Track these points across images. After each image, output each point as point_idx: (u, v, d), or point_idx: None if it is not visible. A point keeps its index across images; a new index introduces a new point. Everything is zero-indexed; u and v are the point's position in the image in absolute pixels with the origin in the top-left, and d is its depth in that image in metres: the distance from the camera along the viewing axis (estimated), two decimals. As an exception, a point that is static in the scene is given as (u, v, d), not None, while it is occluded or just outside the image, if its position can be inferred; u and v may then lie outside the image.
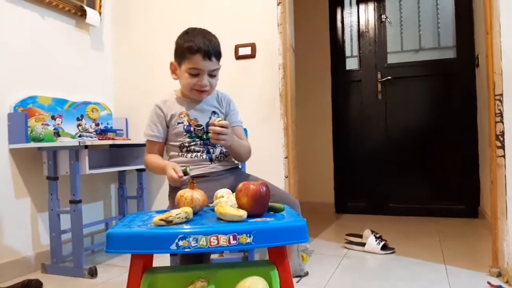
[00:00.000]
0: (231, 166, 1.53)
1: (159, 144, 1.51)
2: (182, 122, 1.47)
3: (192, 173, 1.43)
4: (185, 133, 1.47)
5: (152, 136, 1.50)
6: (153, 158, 1.48)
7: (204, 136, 1.48)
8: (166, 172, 1.33)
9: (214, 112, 1.52)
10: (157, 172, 1.46)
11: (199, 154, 1.47)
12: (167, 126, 1.50)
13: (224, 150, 1.51)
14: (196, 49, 1.39)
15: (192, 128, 1.47)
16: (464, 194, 3.31)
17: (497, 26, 1.88)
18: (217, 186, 1.32)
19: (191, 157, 1.46)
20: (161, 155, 1.53)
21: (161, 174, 1.43)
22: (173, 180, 1.30)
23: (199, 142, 1.47)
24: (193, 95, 1.48)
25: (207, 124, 1.48)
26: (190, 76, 1.43)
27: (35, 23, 2.29)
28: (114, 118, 2.75)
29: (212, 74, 1.46)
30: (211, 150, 1.48)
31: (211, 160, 1.48)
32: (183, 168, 1.30)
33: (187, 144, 1.47)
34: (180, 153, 1.48)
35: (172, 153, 1.52)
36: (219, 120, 1.34)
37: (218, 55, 1.45)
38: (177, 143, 1.48)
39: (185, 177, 1.29)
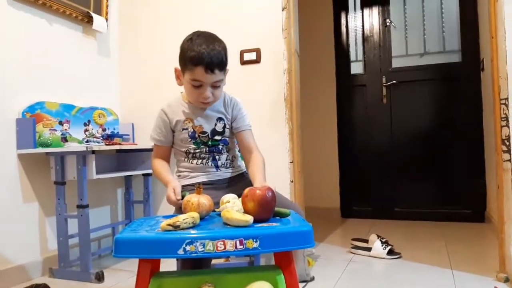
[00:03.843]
0: (237, 173, 1.53)
1: (165, 148, 1.51)
2: (187, 129, 1.46)
3: (198, 179, 1.44)
4: (190, 140, 1.46)
5: (158, 141, 1.49)
6: (159, 167, 1.46)
7: (209, 143, 1.47)
8: (166, 188, 1.33)
9: (219, 119, 1.49)
10: (160, 181, 1.46)
11: (204, 161, 1.47)
12: (173, 131, 1.49)
13: (230, 156, 1.52)
14: (198, 61, 1.31)
15: (197, 135, 1.46)
16: (470, 198, 3.29)
17: (502, 30, 1.88)
18: (223, 193, 1.32)
19: (196, 164, 1.47)
20: (168, 159, 1.52)
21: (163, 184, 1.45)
22: (170, 201, 1.30)
23: (204, 149, 1.47)
24: (196, 105, 1.46)
25: (212, 131, 1.47)
26: (192, 88, 1.38)
27: (43, 29, 2.32)
28: (120, 123, 2.77)
29: (216, 86, 1.39)
30: (217, 157, 1.48)
31: (216, 167, 1.48)
32: (183, 192, 1.30)
33: (192, 151, 1.47)
34: (186, 159, 1.48)
35: (179, 157, 1.52)
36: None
37: (222, 66, 1.36)
38: (183, 149, 1.48)
39: (181, 201, 1.26)
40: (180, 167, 1.51)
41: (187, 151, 1.48)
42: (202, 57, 1.31)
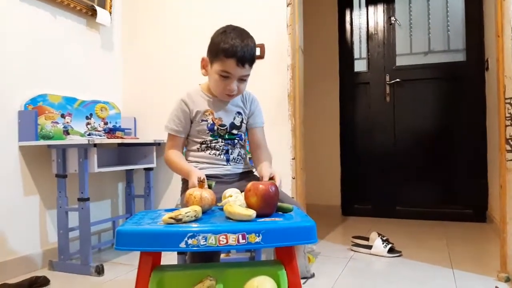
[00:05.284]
0: (245, 170, 1.53)
1: (182, 139, 1.50)
2: (206, 120, 1.46)
3: (207, 172, 1.42)
4: (207, 131, 1.46)
5: (176, 131, 1.48)
6: (176, 158, 1.45)
7: (226, 136, 1.48)
8: (189, 178, 1.31)
9: (238, 113, 1.51)
10: (178, 172, 1.44)
11: (217, 152, 1.46)
12: (191, 122, 1.48)
13: (242, 152, 1.52)
14: (231, 53, 1.34)
15: (215, 127, 1.47)
16: (472, 198, 3.28)
17: (508, 29, 1.87)
18: (229, 188, 1.31)
19: (209, 154, 1.46)
20: (182, 150, 1.52)
21: (181, 175, 1.43)
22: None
23: (220, 141, 1.47)
24: (220, 97, 1.46)
25: (231, 124, 1.49)
26: (219, 78, 1.39)
27: (47, 21, 2.32)
28: (122, 117, 2.76)
29: (243, 79, 1.42)
30: (230, 151, 1.48)
31: (227, 160, 1.47)
32: (209, 182, 1.26)
33: (208, 142, 1.47)
34: (200, 149, 1.48)
35: (190, 147, 1.51)
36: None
37: (252, 62, 1.40)
38: (199, 140, 1.48)
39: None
40: (190, 156, 1.50)
41: (203, 142, 1.47)
42: (236, 50, 1.34)
